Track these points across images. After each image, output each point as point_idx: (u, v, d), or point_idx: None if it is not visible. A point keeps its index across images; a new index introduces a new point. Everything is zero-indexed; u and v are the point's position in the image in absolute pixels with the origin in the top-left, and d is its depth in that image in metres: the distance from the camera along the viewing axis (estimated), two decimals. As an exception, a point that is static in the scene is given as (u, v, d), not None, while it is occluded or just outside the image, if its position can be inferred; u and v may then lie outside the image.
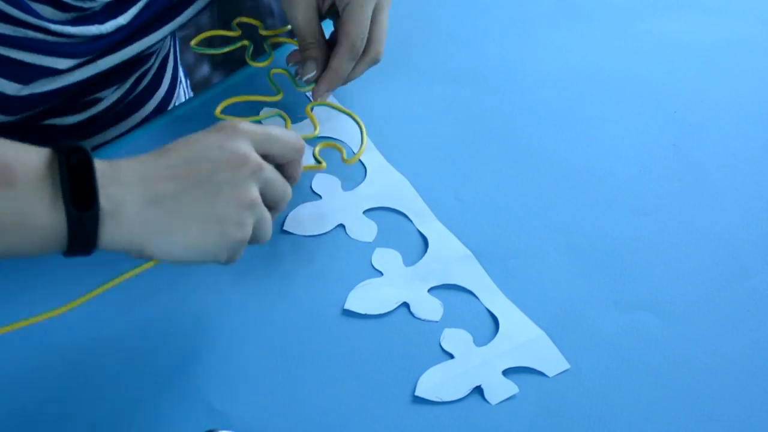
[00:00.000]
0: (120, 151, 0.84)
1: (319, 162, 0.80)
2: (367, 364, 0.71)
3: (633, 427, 0.69)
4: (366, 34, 0.81)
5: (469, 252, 0.77)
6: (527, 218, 0.81)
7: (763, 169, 0.86)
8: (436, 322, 0.73)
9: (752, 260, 0.79)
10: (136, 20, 0.84)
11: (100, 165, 0.63)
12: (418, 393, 0.69)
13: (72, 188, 0.61)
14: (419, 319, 0.73)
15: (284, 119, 0.83)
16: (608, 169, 0.85)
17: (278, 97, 0.85)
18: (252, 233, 0.67)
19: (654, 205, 0.83)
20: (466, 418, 0.69)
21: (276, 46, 0.89)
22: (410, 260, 0.77)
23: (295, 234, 0.78)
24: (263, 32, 0.89)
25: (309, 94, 0.85)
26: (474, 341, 0.72)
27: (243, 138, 0.67)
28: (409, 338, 0.72)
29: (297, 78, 0.84)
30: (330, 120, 0.85)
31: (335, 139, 0.84)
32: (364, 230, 0.78)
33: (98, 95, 0.92)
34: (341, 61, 0.81)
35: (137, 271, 0.65)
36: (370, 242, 0.78)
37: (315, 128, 0.82)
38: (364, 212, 0.80)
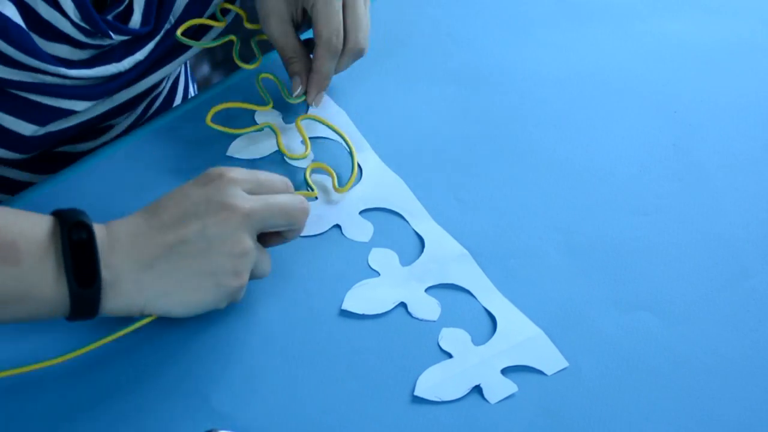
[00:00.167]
0: (121, 150, 0.84)
1: (311, 189, 0.79)
2: (366, 365, 0.71)
3: (633, 427, 0.69)
4: (340, 29, 0.80)
5: (465, 251, 0.77)
6: (527, 218, 0.81)
7: (763, 169, 0.86)
8: (434, 321, 0.73)
9: (752, 260, 0.79)
10: (152, 54, 0.84)
11: (99, 233, 0.65)
12: (417, 393, 0.69)
13: (75, 265, 0.63)
14: (417, 318, 0.73)
15: (275, 132, 0.83)
16: (608, 169, 0.85)
17: (268, 107, 0.85)
18: (251, 273, 0.69)
19: (654, 205, 0.83)
20: (465, 418, 0.69)
21: (264, 45, 0.88)
22: (407, 260, 0.77)
23: None
24: (248, 25, 0.88)
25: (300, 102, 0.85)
26: (472, 340, 0.72)
27: (229, 187, 0.68)
28: (407, 338, 0.72)
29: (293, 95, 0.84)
30: (320, 130, 0.85)
31: (331, 139, 0.84)
32: (360, 230, 0.78)
33: (111, 122, 0.92)
34: (322, 61, 0.81)
35: (140, 324, 0.68)
36: (366, 242, 0.78)
37: (306, 148, 0.82)
38: (360, 213, 0.80)
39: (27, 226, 0.64)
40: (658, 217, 0.82)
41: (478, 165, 0.85)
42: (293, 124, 0.84)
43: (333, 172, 0.81)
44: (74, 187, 0.81)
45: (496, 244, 0.79)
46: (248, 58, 0.87)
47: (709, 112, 0.91)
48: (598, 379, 0.71)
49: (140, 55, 0.83)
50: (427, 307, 0.74)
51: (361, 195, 0.81)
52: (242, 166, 0.72)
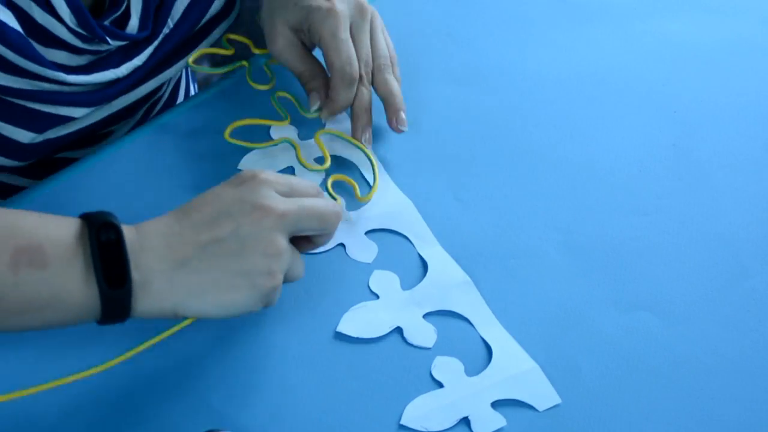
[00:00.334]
0: (123, 150, 0.84)
1: (334, 198, 0.78)
2: (354, 390, 0.70)
3: (633, 427, 0.69)
4: (352, 58, 0.80)
5: (468, 278, 0.76)
6: (527, 218, 0.81)
7: (763, 169, 0.86)
8: (429, 348, 0.72)
9: (752, 260, 0.79)
10: (151, 60, 0.84)
11: (128, 234, 0.64)
12: (403, 422, 0.68)
13: (104, 267, 0.62)
14: (412, 345, 0.72)
15: (294, 147, 0.82)
16: (608, 169, 0.85)
17: (286, 122, 0.84)
18: (285, 276, 0.68)
19: (654, 205, 0.83)
20: (450, 450, 0.68)
21: (276, 66, 0.88)
22: (408, 284, 0.76)
23: None
24: (256, 51, 0.89)
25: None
26: (465, 370, 0.71)
27: (263, 188, 0.67)
28: (399, 364, 0.71)
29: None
30: (337, 148, 0.84)
31: (345, 158, 0.84)
32: (364, 251, 0.77)
33: (110, 129, 0.92)
34: (337, 91, 0.81)
35: (176, 329, 0.66)
36: (369, 263, 0.77)
37: (326, 160, 0.81)
38: (366, 233, 0.79)
39: (53, 229, 0.63)
40: (658, 217, 0.82)
41: (478, 165, 0.85)
42: (310, 139, 0.84)
43: (354, 182, 0.80)
44: (73, 188, 0.81)
45: (496, 244, 0.79)
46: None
47: (709, 112, 0.91)
48: (598, 379, 0.71)
49: (138, 61, 0.83)
50: (422, 334, 0.73)
51: (369, 215, 0.80)
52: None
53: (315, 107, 0.83)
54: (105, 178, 0.82)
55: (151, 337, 0.66)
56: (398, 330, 0.73)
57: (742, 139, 0.88)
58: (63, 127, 0.83)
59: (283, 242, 0.66)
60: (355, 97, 0.82)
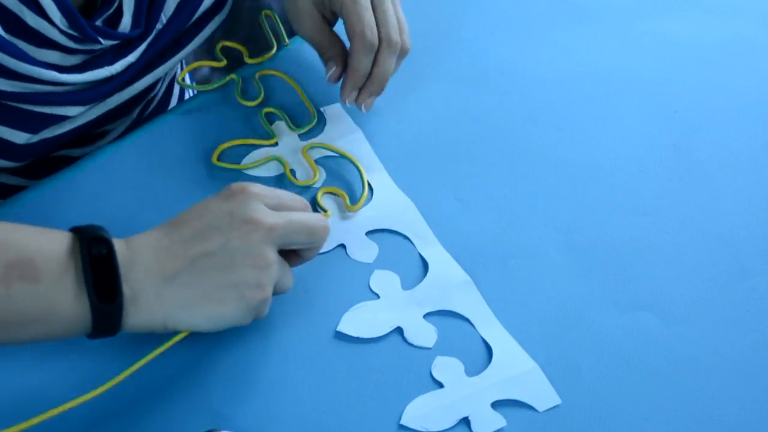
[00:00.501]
0: (116, 152, 0.84)
1: (324, 211, 0.79)
2: (354, 390, 0.70)
3: (633, 427, 0.69)
4: (373, 25, 0.80)
5: (468, 278, 0.76)
6: (527, 218, 0.81)
7: (763, 169, 0.86)
8: (429, 348, 0.72)
9: (752, 260, 0.79)
10: (144, 56, 0.84)
11: (118, 248, 0.64)
12: (403, 422, 0.68)
13: (95, 281, 0.62)
14: (412, 345, 0.72)
15: (282, 164, 0.82)
16: (608, 169, 0.85)
17: (274, 141, 0.84)
18: (274, 288, 0.68)
19: (654, 205, 0.83)
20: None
21: (265, 80, 0.88)
22: (409, 284, 0.76)
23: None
24: (249, 60, 0.89)
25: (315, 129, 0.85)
26: (465, 370, 0.71)
27: (252, 202, 0.67)
28: (400, 364, 0.71)
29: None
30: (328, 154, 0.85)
31: (342, 157, 0.84)
32: (364, 251, 0.77)
33: (106, 128, 0.92)
34: (358, 57, 0.81)
35: (169, 344, 0.66)
36: (369, 263, 0.77)
37: (315, 175, 0.81)
38: (366, 233, 0.79)
39: (45, 243, 0.63)
40: (658, 217, 0.82)
41: (478, 165, 0.85)
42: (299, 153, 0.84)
43: (344, 193, 0.80)
44: (70, 189, 0.81)
45: (496, 244, 0.79)
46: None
47: (708, 112, 0.91)
48: (598, 379, 0.71)
49: (132, 58, 0.82)
50: (423, 334, 0.73)
51: (369, 215, 0.80)
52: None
53: (331, 71, 0.83)
54: (102, 180, 0.82)
55: (147, 352, 0.66)
56: (399, 330, 0.73)
57: (742, 139, 0.88)
58: (58, 126, 0.82)
59: (272, 255, 0.67)
60: (375, 64, 0.82)
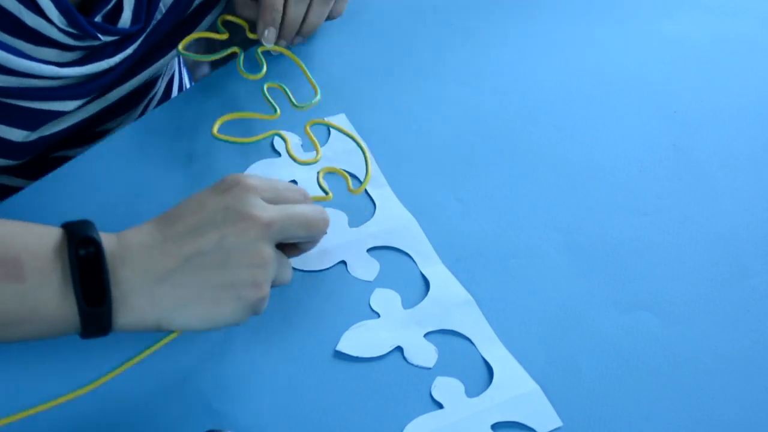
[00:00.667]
0: (115, 145, 0.84)
1: (326, 192, 0.77)
2: (354, 409, 0.69)
3: (633, 427, 0.69)
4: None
5: (470, 297, 0.75)
6: (527, 218, 0.81)
7: (763, 169, 0.86)
8: (429, 368, 0.71)
9: (752, 260, 0.79)
10: (142, 46, 0.83)
11: (108, 244, 0.62)
12: None
13: (83, 283, 0.60)
14: (412, 364, 0.71)
15: (284, 140, 0.81)
16: (608, 169, 0.85)
17: (276, 116, 0.82)
18: (272, 282, 0.66)
19: (654, 205, 0.83)
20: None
21: (268, 55, 0.87)
22: (409, 302, 0.75)
23: (294, 268, 0.74)
24: (251, 35, 0.88)
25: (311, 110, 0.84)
26: (466, 391, 0.70)
27: (248, 195, 0.65)
28: (399, 384, 0.70)
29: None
30: (333, 138, 0.84)
31: (352, 142, 0.83)
32: (365, 269, 0.76)
33: (107, 126, 0.91)
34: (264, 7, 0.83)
35: (161, 344, 0.65)
36: (370, 281, 0.76)
37: (317, 152, 0.80)
38: (368, 250, 0.78)
39: (32, 241, 0.61)
40: (658, 217, 0.82)
41: (478, 165, 0.85)
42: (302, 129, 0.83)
43: (346, 174, 0.79)
44: (66, 182, 0.81)
45: (496, 244, 0.79)
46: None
47: (709, 112, 0.91)
48: (598, 379, 0.71)
49: (130, 50, 0.82)
50: (423, 354, 0.72)
51: (371, 232, 0.79)
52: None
53: (266, 35, 0.85)
54: (98, 174, 0.81)
55: (140, 351, 0.65)
56: (399, 349, 0.72)
57: (742, 139, 0.88)
58: (56, 123, 0.82)
59: (269, 252, 0.64)
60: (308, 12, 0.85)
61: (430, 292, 0.75)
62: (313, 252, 0.73)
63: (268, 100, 0.83)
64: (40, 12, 0.74)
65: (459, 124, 0.88)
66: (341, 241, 0.77)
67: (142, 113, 0.95)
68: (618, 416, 0.69)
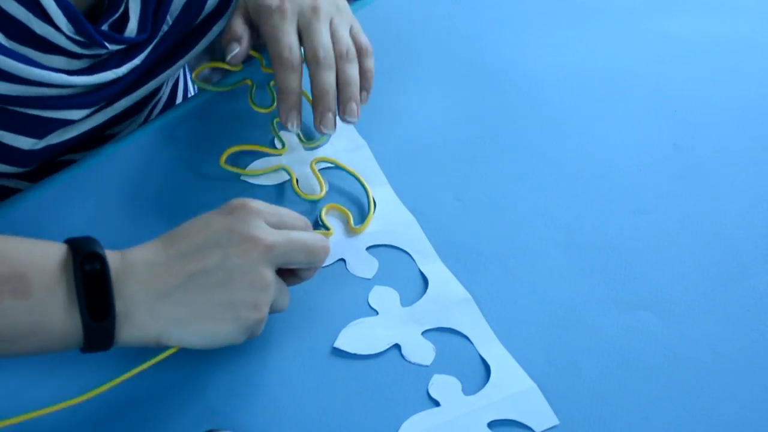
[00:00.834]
0: (120, 151, 0.84)
1: (327, 228, 0.78)
2: (351, 406, 0.69)
3: (633, 427, 0.69)
4: (291, 46, 0.80)
5: (468, 295, 0.75)
6: (527, 218, 0.81)
7: (763, 169, 0.86)
8: (427, 366, 0.71)
9: (752, 260, 0.79)
10: (149, 58, 0.83)
11: (113, 261, 0.63)
12: None
13: (87, 297, 0.61)
14: (409, 362, 0.71)
15: (289, 174, 0.81)
16: (608, 169, 0.85)
17: (283, 151, 0.83)
18: (270, 307, 0.67)
19: (654, 205, 0.83)
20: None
21: None
22: (408, 300, 0.75)
23: None
24: (265, 69, 0.88)
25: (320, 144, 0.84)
26: (463, 389, 0.70)
27: (253, 219, 0.66)
28: (396, 382, 0.70)
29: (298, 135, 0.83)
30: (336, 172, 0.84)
31: (352, 171, 0.83)
32: (364, 266, 0.77)
33: (112, 131, 0.92)
34: (278, 78, 0.80)
35: (159, 358, 0.66)
36: (369, 279, 0.76)
37: (321, 189, 0.80)
38: (367, 248, 0.78)
39: (38, 257, 0.62)
40: (658, 216, 0.82)
41: (478, 165, 0.85)
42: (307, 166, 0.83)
43: (349, 213, 0.80)
44: (70, 188, 0.81)
45: (496, 244, 0.79)
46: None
47: (709, 111, 0.91)
48: (598, 379, 0.71)
49: (137, 61, 0.82)
50: (421, 351, 0.72)
51: (370, 230, 0.79)
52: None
53: (231, 53, 0.83)
54: (103, 179, 0.82)
55: (138, 363, 0.65)
56: (396, 347, 0.72)
57: (743, 139, 0.88)
58: (64, 131, 0.82)
59: (270, 275, 0.66)
60: (314, 82, 0.80)
61: (428, 290, 0.75)
62: None
63: (277, 135, 0.84)
64: (48, 20, 0.74)
65: (459, 124, 0.88)
66: (340, 239, 0.78)
67: (147, 117, 0.95)
68: (618, 416, 0.69)
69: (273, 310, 0.69)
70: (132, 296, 0.63)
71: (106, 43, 0.78)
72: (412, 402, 0.69)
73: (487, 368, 0.71)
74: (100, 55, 0.80)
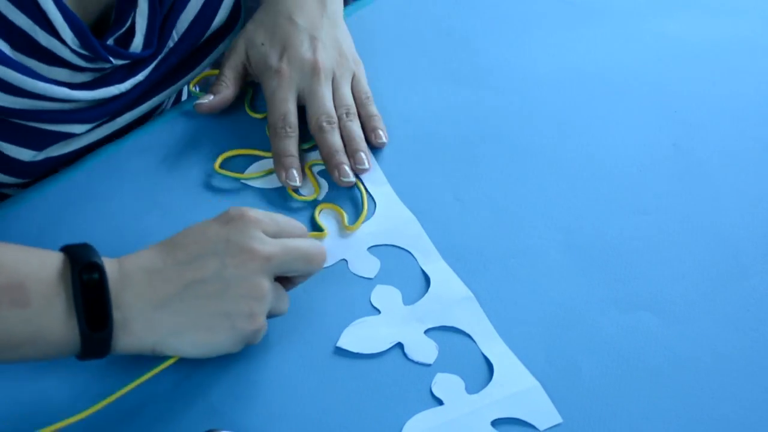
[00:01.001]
0: (121, 151, 0.84)
1: (321, 230, 0.78)
2: (354, 405, 0.69)
3: (633, 426, 0.69)
4: (286, 115, 0.82)
5: (470, 294, 0.75)
6: (527, 218, 0.81)
7: (763, 169, 0.86)
8: (430, 365, 0.71)
9: (752, 260, 0.79)
10: (153, 74, 0.83)
11: (110, 270, 0.63)
12: None
13: (86, 308, 0.62)
14: (412, 361, 0.71)
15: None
16: (608, 169, 0.85)
17: None
18: (269, 311, 0.68)
19: (654, 205, 0.83)
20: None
21: None
22: (410, 299, 0.75)
23: None
24: None
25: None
26: (466, 388, 0.70)
27: (250, 228, 0.66)
28: (399, 381, 0.70)
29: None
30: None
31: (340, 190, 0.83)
32: (366, 266, 0.77)
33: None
34: (272, 143, 0.82)
35: (160, 369, 0.66)
36: (371, 278, 0.76)
37: (316, 190, 0.81)
38: (368, 248, 0.78)
39: (36, 266, 0.62)
40: (658, 216, 0.82)
41: (478, 164, 0.85)
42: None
43: (342, 211, 0.80)
44: (70, 189, 0.81)
45: (496, 244, 0.79)
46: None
47: (709, 111, 0.91)
48: (598, 379, 0.71)
49: (141, 77, 0.82)
50: (423, 350, 0.72)
51: (371, 230, 0.79)
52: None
53: (201, 100, 0.84)
54: (102, 180, 0.82)
55: (138, 370, 0.66)
56: (399, 345, 0.72)
57: (743, 139, 0.88)
58: (65, 144, 0.82)
59: (266, 285, 0.66)
60: (321, 146, 0.82)
61: (430, 289, 0.76)
62: None
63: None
64: (54, 32, 0.74)
65: (459, 124, 0.88)
66: (342, 240, 0.78)
67: None
68: (618, 416, 0.69)
69: (273, 315, 0.69)
70: (129, 306, 0.63)
71: (111, 58, 0.78)
72: (415, 401, 0.69)
73: (490, 366, 0.71)
74: (103, 69, 0.80)
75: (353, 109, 0.84)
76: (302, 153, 0.84)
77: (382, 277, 0.76)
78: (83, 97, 0.79)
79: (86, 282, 0.62)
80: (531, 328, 0.74)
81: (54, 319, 0.61)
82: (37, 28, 0.74)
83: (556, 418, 0.69)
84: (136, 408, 0.68)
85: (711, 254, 0.79)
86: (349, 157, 0.82)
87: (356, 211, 0.81)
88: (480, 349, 0.72)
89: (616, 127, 0.89)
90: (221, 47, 0.89)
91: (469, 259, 0.77)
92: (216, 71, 0.87)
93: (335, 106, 0.83)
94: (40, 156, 0.82)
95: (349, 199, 0.82)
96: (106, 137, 0.85)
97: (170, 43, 0.84)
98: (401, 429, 0.68)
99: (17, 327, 0.61)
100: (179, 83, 0.88)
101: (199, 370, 0.70)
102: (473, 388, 0.70)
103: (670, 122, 0.89)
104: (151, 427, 0.67)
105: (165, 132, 0.86)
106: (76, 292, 0.62)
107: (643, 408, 0.70)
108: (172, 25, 0.83)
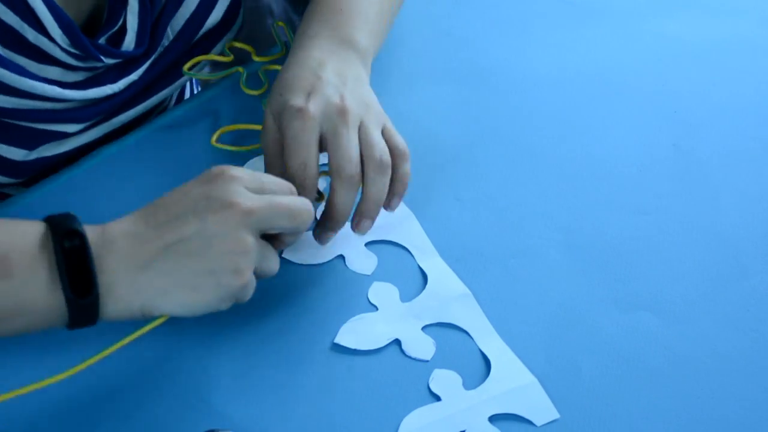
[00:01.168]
0: (121, 149, 0.84)
1: (319, 195, 0.76)
2: (352, 402, 0.69)
3: (633, 427, 0.69)
4: (307, 165, 0.72)
5: (468, 291, 0.75)
6: (527, 218, 0.81)
7: (763, 169, 0.86)
8: (427, 361, 0.71)
9: (752, 260, 0.79)
10: (147, 74, 0.83)
11: (92, 235, 0.63)
12: None
13: (69, 275, 0.61)
14: (410, 357, 0.71)
15: None
16: (608, 169, 0.85)
17: None
18: (258, 272, 0.66)
19: (654, 205, 0.83)
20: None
21: (269, 74, 0.88)
22: (407, 296, 0.75)
23: (292, 262, 0.76)
24: (257, 58, 0.89)
25: None
26: (463, 384, 0.70)
27: (231, 184, 0.65)
28: (397, 377, 0.70)
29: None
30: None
31: None
32: (363, 263, 0.77)
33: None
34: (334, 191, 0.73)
35: (150, 327, 0.65)
36: (368, 275, 0.76)
37: (321, 197, 0.77)
38: (365, 245, 0.78)
39: (17, 237, 0.62)
40: (658, 216, 0.82)
41: (478, 165, 0.85)
42: None
43: None
44: (69, 188, 0.81)
45: (496, 244, 0.79)
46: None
47: (709, 111, 0.91)
48: (598, 379, 0.71)
49: (134, 76, 0.82)
50: (421, 346, 0.72)
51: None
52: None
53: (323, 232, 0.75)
54: (102, 178, 0.82)
55: (124, 335, 0.65)
56: (397, 342, 0.72)
57: (743, 139, 0.88)
58: (59, 144, 0.82)
59: (250, 240, 0.64)
60: (332, 197, 0.73)
61: (428, 286, 0.76)
62: (310, 246, 0.74)
63: None
64: (42, 30, 0.74)
65: (459, 124, 0.88)
66: (338, 235, 0.77)
67: None
68: (618, 415, 0.69)
69: (261, 276, 0.67)
70: (113, 270, 0.63)
71: (102, 56, 0.78)
72: (413, 397, 0.69)
73: (487, 363, 0.72)
74: (96, 68, 0.80)
75: (388, 161, 0.73)
76: None
77: (380, 274, 0.76)
78: (75, 97, 0.78)
79: (68, 249, 0.61)
80: (531, 328, 0.74)
81: (38, 289, 0.61)
82: (25, 25, 0.73)
83: (554, 414, 0.69)
84: (137, 407, 0.68)
85: (711, 254, 0.79)
86: (354, 216, 0.74)
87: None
88: (477, 346, 0.73)
89: (616, 127, 0.89)
90: (218, 46, 0.89)
91: (469, 259, 0.77)
92: (211, 56, 0.87)
93: (363, 155, 0.73)
94: (32, 155, 0.81)
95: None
96: (103, 137, 0.85)
97: (165, 42, 0.84)
98: (399, 425, 0.68)
99: (3, 299, 0.61)
100: (177, 83, 0.88)
101: (199, 370, 0.70)
102: (471, 384, 0.70)
103: (670, 122, 0.89)
104: (151, 427, 0.67)
105: (165, 132, 0.86)
106: (58, 259, 0.61)
107: (643, 408, 0.70)
108: (167, 24, 0.82)
